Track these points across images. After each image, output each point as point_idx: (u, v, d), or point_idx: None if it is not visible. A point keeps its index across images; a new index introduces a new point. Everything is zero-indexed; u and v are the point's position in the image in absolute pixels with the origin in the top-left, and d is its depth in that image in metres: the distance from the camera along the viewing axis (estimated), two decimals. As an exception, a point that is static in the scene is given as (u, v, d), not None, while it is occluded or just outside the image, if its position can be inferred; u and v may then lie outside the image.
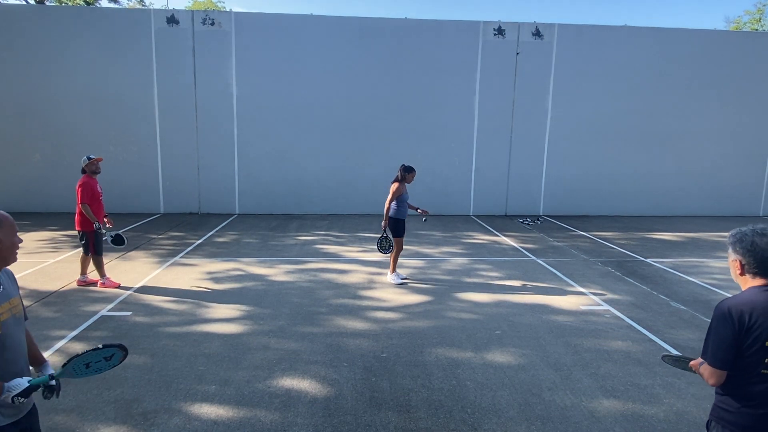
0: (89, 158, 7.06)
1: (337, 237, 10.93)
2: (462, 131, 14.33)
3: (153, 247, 9.63)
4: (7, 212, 2.14)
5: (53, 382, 2.17)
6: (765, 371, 2.12)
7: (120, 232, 6.77)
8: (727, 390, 2.22)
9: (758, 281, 2.18)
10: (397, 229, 7.45)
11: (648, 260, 9.26)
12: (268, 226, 12.19)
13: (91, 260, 7.05)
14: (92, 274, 7.26)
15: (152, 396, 4.16)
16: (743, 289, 2.24)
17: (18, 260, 2.22)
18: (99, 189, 7.08)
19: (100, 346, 2.24)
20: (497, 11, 56.67)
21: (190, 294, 6.84)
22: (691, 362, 2.39)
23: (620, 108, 14.46)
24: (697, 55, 14.48)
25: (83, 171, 7.03)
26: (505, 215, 14.47)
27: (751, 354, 2.11)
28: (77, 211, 6.93)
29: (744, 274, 2.23)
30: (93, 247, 6.96)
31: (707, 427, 2.36)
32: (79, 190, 6.85)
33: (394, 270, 7.62)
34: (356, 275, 7.90)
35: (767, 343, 2.08)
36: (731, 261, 2.29)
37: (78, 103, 13.45)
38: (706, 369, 2.23)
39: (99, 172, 7.15)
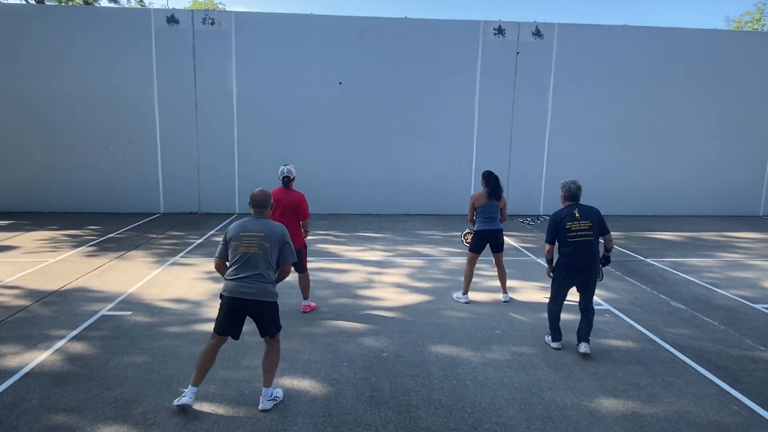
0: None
1: (336, 237, 10.93)
2: (462, 131, 14.32)
3: (153, 247, 9.63)
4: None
5: None
6: (570, 239, 5.01)
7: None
8: (558, 250, 5.13)
9: (568, 203, 5.12)
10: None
11: (648, 260, 9.26)
12: (268, 225, 12.17)
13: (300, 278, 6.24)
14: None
15: (152, 396, 4.16)
16: (562, 206, 5.15)
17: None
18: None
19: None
20: (497, 11, 56.69)
21: (190, 294, 6.84)
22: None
23: (620, 108, 14.46)
24: (697, 55, 14.48)
25: (290, 182, 5.89)
26: (505, 215, 14.44)
27: (562, 232, 5.04)
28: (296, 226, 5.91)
29: (564, 201, 5.13)
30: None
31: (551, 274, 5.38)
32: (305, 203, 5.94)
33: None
34: (356, 275, 7.90)
35: (567, 225, 4.98)
36: (561, 195, 5.17)
37: (78, 103, 13.46)
38: (546, 246, 5.26)
39: None
